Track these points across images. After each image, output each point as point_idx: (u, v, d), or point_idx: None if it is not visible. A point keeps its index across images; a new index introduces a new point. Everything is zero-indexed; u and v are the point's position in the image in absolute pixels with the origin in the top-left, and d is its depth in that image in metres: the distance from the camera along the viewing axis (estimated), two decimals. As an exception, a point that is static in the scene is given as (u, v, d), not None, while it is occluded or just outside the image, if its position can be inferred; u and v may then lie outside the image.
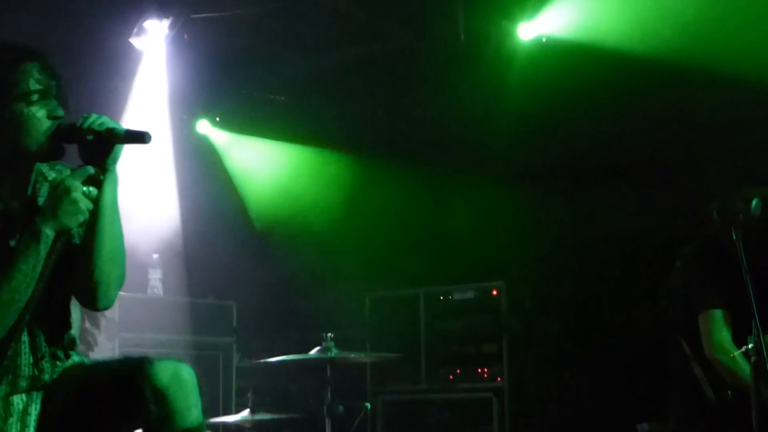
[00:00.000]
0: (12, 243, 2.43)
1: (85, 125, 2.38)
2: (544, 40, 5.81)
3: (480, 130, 6.22)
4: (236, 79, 6.39)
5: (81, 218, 2.39)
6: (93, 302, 2.54)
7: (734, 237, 3.52)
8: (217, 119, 7.06)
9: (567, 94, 5.67)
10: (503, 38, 5.87)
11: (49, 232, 2.39)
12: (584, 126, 5.79)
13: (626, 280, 5.89)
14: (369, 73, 6.24)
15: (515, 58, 5.89)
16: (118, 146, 2.40)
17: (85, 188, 2.38)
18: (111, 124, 2.37)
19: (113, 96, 5.90)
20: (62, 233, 2.40)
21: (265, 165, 7.14)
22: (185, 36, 5.83)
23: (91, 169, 2.39)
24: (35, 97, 2.39)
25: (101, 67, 5.73)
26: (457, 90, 6.04)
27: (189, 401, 2.37)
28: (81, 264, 2.50)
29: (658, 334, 4.66)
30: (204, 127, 7.02)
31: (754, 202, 3.61)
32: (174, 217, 6.30)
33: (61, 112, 2.39)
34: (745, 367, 3.66)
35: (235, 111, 6.89)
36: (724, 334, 3.90)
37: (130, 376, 2.40)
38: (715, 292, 3.95)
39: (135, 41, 5.70)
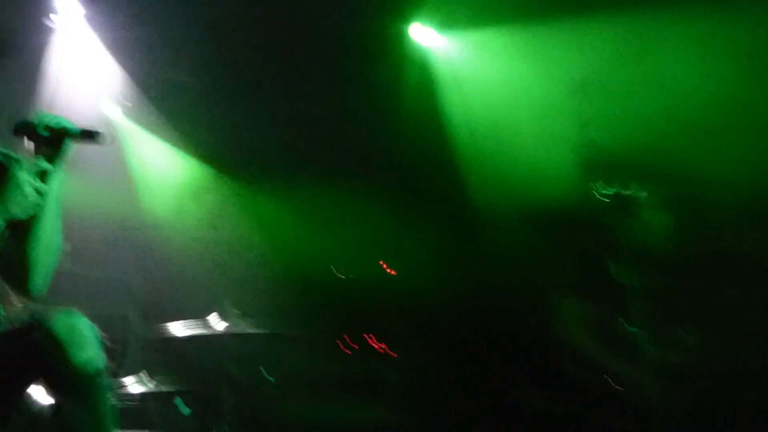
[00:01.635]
0: None
1: (41, 122, 2.41)
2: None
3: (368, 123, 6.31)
4: (147, 63, 6.21)
5: (30, 211, 2.42)
6: (25, 288, 2.56)
7: (612, 220, 3.92)
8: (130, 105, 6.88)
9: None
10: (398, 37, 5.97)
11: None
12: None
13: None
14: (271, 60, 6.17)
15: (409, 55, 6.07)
16: (69, 143, 2.43)
17: (37, 184, 2.42)
18: (65, 123, 2.42)
19: (27, 77, 5.71)
20: (10, 222, 2.39)
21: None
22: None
23: (45, 164, 2.41)
24: None
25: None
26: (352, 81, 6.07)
27: (86, 350, 2.38)
28: (19, 251, 2.49)
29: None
30: (116, 114, 6.72)
31: (630, 192, 4.06)
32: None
33: None
34: (589, 343, 4.38)
35: (145, 97, 6.63)
36: (571, 313, 4.33)
37: (30, 333, 2.43)
38: (568, 276, 4.37)
39: (48, 20, 5.56)
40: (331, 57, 6.01)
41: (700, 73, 5.13)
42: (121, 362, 5.38)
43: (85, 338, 2.34)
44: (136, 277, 6.26)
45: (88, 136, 2.46)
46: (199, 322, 4.90)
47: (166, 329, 4.94)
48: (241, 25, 5.88)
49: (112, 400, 2.74)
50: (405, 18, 5.92)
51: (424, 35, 5.99)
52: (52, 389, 2.45)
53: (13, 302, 3.78)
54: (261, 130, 6.26)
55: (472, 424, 5.59)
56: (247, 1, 5.74)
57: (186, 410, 5.34)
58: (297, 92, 6.19)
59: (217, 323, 4.67)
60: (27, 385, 2.58)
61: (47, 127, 2.44)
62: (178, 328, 4.85)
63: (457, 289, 6.10)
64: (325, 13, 5.77)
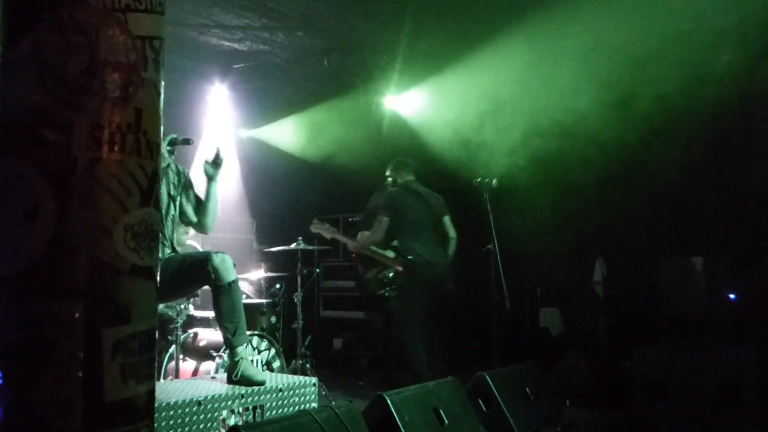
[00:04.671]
0: None
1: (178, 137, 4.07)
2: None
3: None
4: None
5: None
6: (204, 231, 4.32)
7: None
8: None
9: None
10: (379, 105, 8.00)
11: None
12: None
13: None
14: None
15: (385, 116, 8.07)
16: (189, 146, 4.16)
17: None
18: (178, 137, 4.03)
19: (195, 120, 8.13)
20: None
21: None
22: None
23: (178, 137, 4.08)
24: None
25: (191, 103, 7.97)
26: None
27: (229, 271, 3.77)
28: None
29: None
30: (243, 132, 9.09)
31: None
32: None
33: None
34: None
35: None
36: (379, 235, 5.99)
37: (202, 260, 3.86)
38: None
39: (210, 93, 8.18)
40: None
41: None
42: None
43: (229, 265, 3.84)
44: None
45: (187, 142, 3.99)
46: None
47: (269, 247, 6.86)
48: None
49: (242, 297, 4.21)
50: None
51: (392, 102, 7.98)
52: (212, 290, 3.96)
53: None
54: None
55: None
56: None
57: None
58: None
59: (294, 244, 6.49)
60: (197, 287, 4.34)
61: (172, 137, 3.91)
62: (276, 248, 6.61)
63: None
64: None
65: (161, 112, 1.45)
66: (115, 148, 1.30)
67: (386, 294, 5.81)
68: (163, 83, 1.44)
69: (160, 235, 3.90)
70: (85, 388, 1.27)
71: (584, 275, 6.49)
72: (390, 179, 6.20)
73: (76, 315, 1.27)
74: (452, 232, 6.04)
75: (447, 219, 6.03)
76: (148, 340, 1.40)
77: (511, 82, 6.30)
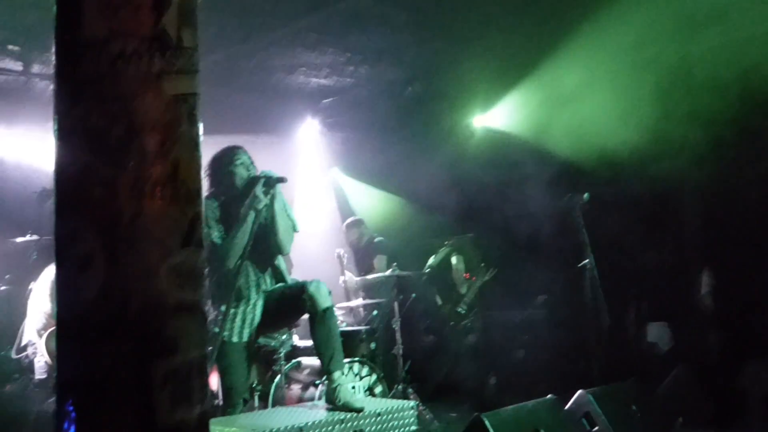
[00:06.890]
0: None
1: (273, 176, 4.32)
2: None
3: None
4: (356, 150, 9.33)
5: (260, 206, 4.23)
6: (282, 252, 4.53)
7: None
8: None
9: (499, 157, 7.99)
10: (466, 125, 8.50)
11: (251, 212, 4.24)
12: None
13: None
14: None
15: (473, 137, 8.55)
16: (278, 184, 4.30)
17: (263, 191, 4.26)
18: (277, 175, 4.30)
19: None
20: (256, 212, 4.24)
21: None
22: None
23: (273, 176, 4.32)
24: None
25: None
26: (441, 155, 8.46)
27: (324, 298, 3.91)
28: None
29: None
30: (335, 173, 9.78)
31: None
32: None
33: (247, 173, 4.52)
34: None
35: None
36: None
37: (299, 289, 4.28)
38: None
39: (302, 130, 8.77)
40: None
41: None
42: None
43: (324, 293, 4.03)
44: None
45: (281, 180, 4.18)
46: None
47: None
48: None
49: (339, 325, 4.39)
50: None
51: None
52: (309, 319, 4.16)
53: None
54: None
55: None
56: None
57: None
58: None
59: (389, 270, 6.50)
60: (297, 317, 4.49)
61: (266, 177, 4.24)
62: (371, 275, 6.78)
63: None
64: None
65: (200, 160, 1.64)
66: (156, 198, 1.49)
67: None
68: (201, 134, 1.61)
69: (257, 268, 4.15)
70: (139, 414, 1.45)
71: (691, 287, 6.25)
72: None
73: (128, 350, 1.45)
74: None
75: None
76: (198, 367, 1.56)
77: (595, 83, 6.20)
